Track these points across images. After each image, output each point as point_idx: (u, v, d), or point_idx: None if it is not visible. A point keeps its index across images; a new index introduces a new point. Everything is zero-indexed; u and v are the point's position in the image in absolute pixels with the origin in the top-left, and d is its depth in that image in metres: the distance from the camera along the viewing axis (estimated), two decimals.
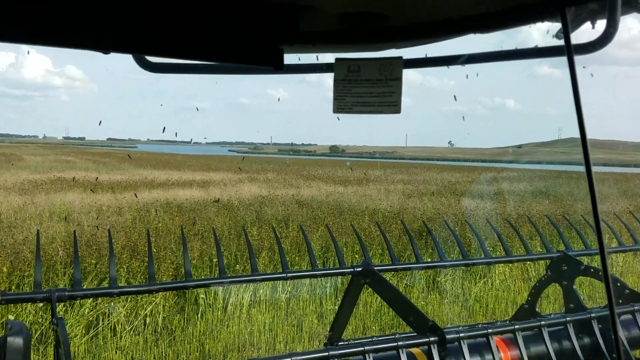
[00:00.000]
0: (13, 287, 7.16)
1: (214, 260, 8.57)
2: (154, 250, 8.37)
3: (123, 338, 6.84)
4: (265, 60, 0.83)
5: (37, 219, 10.84)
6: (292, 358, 1.85)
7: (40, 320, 6.62)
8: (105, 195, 15.10)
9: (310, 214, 12.39)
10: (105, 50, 0.75)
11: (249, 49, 0.81)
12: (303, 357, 1.87)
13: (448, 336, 1.97)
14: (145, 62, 0.99)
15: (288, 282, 8.19)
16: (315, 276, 2.72)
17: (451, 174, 31.03)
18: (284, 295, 8.13)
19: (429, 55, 1.18)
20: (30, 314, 6.61)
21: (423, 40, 1.06)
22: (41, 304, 6.65)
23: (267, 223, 10.83)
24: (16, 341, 1.66)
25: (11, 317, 6.17)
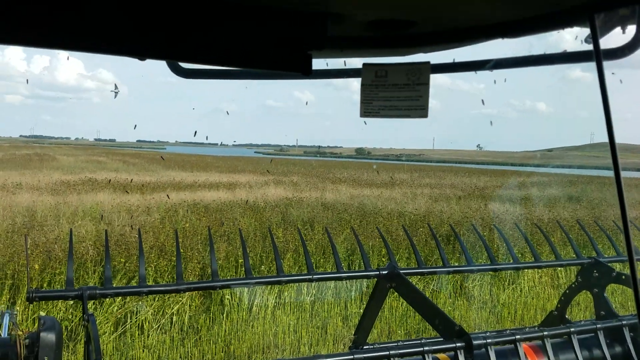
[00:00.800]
0: (45, 285, 7.34)
1: (240, 261, 8.64)
2: (181, 250, 8.48)
3: (150, 336, 6.94)
4: (293, 66, 0.84)
5: (69, 218, 11.10)
6: None
7: (70, 317, 6.77)
8: (135, 195, 15.37)
9: (336, 216, 12.38)
10: (142, 56, 0.78)
11: (278, 55, 0.82)
12: (327, 359, 1.85)
13: (475, 342, 1.93)
14: (178, 68, 1.01)
15: (313, 284, 8.20)
16: (340, 278, 2.71)
17: (479, 177, 30.60)
18: (308, 298, 8.14)
19: (456, 60, 1.17)
20: (60, 310, 6.77)
21: (451, 45, 1.05)
22: (72, 302, 6.80)
23: (293, 225, 10.86)
24: (49, 336, 1.70)
25: (42, 314, 6.33)
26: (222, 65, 0.82)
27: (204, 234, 9.75)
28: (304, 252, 2.76)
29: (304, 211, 12.86)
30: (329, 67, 1.14)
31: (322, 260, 9.11)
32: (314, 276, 2.62)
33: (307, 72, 0.87)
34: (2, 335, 1.79)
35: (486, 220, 12.56)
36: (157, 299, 7.29)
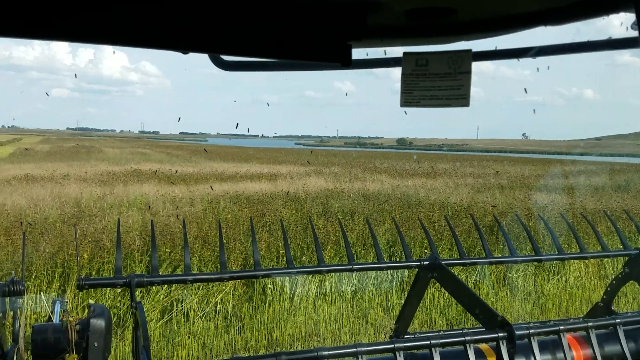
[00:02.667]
0: (93, 273, 7.63)
1: (281, 251, 8.75)
2: (224, 240, 8.65)
3: (195, 323, 7.13)
4: (333, 56, 0.84)
5: (116, 208, 11.48)
6: (358, 349, 1.83)
7: (118, 304, 7.02)
8: (178, 186, 15.74)
9: (377, 207, 12.32)
10: (185, 50, 0.79)
11: (318, 46, 0.82)
12: (369, 348, 1.85)
13: (518, 332, 1.91)
14: (220, 60, 1.03)
15: (354, 274, 8.23)
16: (381, 269, 2.70)
17: (524, 166, 29.81)
18: (349, 288, 8.18)
19: (499, 47, 1.15)
20: (109, 299, 7.03)
21: (493, 33, 1.03)
22: (119, 290, 7.05)
23: (333, 216, 10.89)
24: (98, 322, 1.77)
25: (91, 301, 6.59)
26: (263, 57, 0.84)
27: (246, 224, 9.90)
28: (345, 242, 2.75)
29: (344, 202, 12.87)
30: (369, 57, 1.13)
31: (362, 251, 9.12)
32: (355, 266, 2.59)
33: (347, 63, 0.87)
34: (54, 321, 1.87)
35: (531, 210, 12.26)
36: (201, 287, 7.47)
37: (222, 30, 0.76)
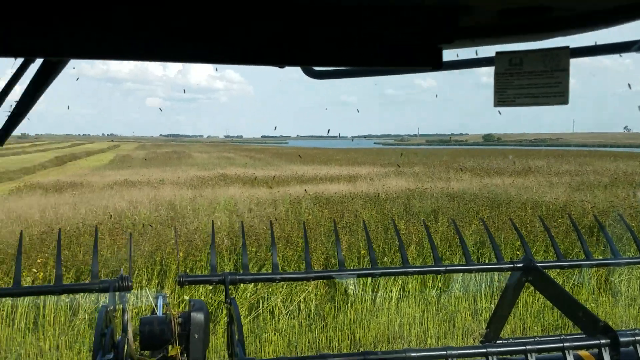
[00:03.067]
0: (187, 270, 8.04)
1: (362, 252, 8.76)
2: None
3: (280, 321, 7.32)
4: (423, 61, 0.84)
5: (206, 210, 12.01)
6: (448, 352, 1.80)
7: (209, 301, 7.35)
8: (261, 189, 16.20)
9: (462, 207, 11.95)
10: (281, 65, 0.82)
11: (408, 51, 0.82)
12: (459, 351, 1.82)
13: (622, 339, 1.79)
14: (312, 71, 1.06)
15: (438, 277, 8.05)
16: (470, 271, 2.63)
17: (627, 162, 27.61)
18: (434, 291, 8.03)
19: (598, 42, 1.09)
20: (201, 294, 7.38)
21: (590, 28, 0.98)
22: (210, 287, 7.39)
23: (416, 217, 10.73)
24: (198, 316, 1.89)
25: (185, 297, 6.94)
26: (355, 66, 0.85)
27: (327, 225, 10.01)
28: (430, 243, 2.70)
29: (427, 202, 12.62)
30: (460, 58, 1.11)
31: (447, 252, 8.92)
32: (442, 268, 2.55)
33: (438, 67, 0.86)
34: (158, 314, 2.01)
35: (635, 209, 11.39)
36: (285, 286, 7.64)
37: (315, 43, 0.78)
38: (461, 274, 7.71)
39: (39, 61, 0.83)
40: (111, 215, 10.57)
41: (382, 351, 2.26)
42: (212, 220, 2.91)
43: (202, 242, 8.68)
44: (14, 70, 0.85)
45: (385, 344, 6.90)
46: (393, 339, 6.98)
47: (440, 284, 8.18)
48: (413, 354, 1.80)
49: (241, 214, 11.33)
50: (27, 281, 6.93)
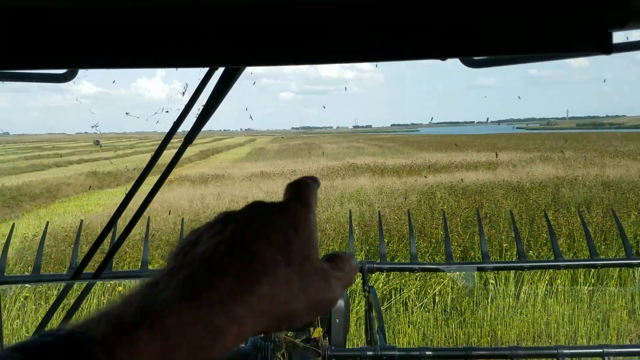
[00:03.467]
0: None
1: (504, 245, 8.24)
2: (441, 232, 8.47)
3: (414, 313, 7.12)
4: (592, 46, 0.81)
5: (337, 200, 12.17)
6: (605, 350, 1.69)
7: None
8: (391, 178, 16.03)
9: (620, 196, 10.75)
10: (443, 57, 0.81)
11: (576, 37, 0.80)
12: (618, 349, 1.71)
13: None
14: (470, 60, 1.04)
15: (591, 272, 7.31)
16: (631, 265, 2.37)
17: None
18: (585, 287, 7.27)
19: None
20: None
21: None
22: None
23: (565, 207, 9.85)
24: (339, 302, 1.89)
25: None
26: (519, 54, 0.83)
27: (463, 215, 9.56)
28: (585, 234, 2.46)
29: (578, 191, 11.52)
30: (629, 40, 0.99)
31: (602, 246, 8.05)
32: (598, 262, 2.30)
33: (608, 51, 0.82)
34: None
35: None
36: (418, 278, 7.44)
37: (474, 31, 0.78)
38: (617, 269, 7.02)
39: (221, 69, 0.95)
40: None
41: (531, 347, 2.08)
42: (350, 210, 2.93)
43: (334, 232, 8.77)
44: (200, 78, 0.99)
45: (530, 343, 6.41)
46: (539, 337, 6.45)
47: (593, 280, 7.40)
48: (565, 351, 1.70)
49: (372, 204, 11.28)
50: None
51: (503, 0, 0.77)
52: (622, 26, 0.81)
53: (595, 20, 0.79)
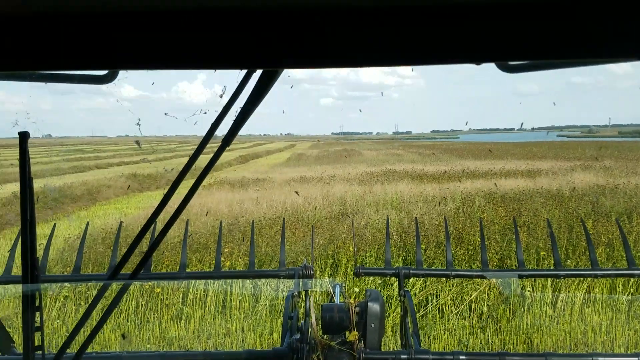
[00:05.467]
0: (357, 264, 8.30)
1: (541, 253, 8.18)
2: (478, 239, 8.47)
3: (450, 320, 7.17)
4: (629, 53, 0.80)
5: (374, 206, 12.25)
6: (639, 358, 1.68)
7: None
8: (430, 185, 15.97)
9: None
10: (478, 62, 0.81)
11: (612, 44, 0.79)
12: None
13: None
14: (505, 65, 1.03)
15: (631, 282, 7.19)
16: None
17: None
18: (624, 297, 7.16)
19: None
20: (371, 287, 7.57)
21: None
22: (379, 280, 7.54)
23: (605, 216, 9.67)
24: (374, 306, 1.96)
25: (356, 289, 7.19)
26: (552, 59, 0.82)
27: (501, 223, 9.52)
28: (623, 243, 2.43)
29: (619, 200, 11.27)
30: None
31: None
32: (636, 271, 2.30)
33: None
34: (336, 302, 2.13)
35: None
36: (455, 284, 7.46)
37: (511, 38, 0.77)
38: None
39: (259, 71, 0.95)
40: (287, 209, 11.34)
41: (565, 354, 2.10)
42: (387, 216, 3.01)
43: (372, 237, 8.89)
44: (239, 80, 0.98)
45: (567, 352, 6.35)
46: (576, 346, 6.40)
47: (632, 290, 7.27)
48: (600, 359, 1.70)
49: (410, 211, 11.32)
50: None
51: (540, 5, 0.75)
52: None
53: (631, 28, 0.77)
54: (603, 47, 0.78)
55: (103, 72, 1.13)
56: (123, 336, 6.97)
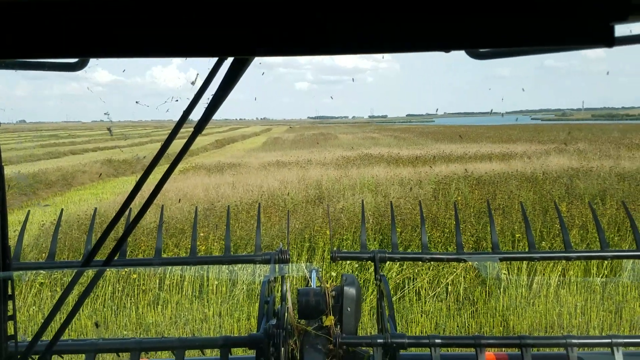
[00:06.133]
0: (334, 247, 8.26)
1: (516, 235, 8.25)
2: (453, 222, 8.51)
3: (427, 303, 7.20)
4: (594, 39, 0.81)
5: (350, 190, 12.22)
6: (613, 340, 1.70)
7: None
8: (406, 168, 16.02)
9: (634, 188, 10.67)
10: (447, 49, 0.82)
11: (577, 30, 0.80)
12: (627, 340, 1.72)
13: None
14: (474, 52, 1.04)
15: (604, 264, 7.32)
16: None
17: None
18: (598, 279, 7.28)
19: None
20: (347, 272, 7.54)
21: None
22: (356, 264, 7.51)
23: (579, 198, 9.81)
24: (350, 290, 1.96)
25: (333, 274, 7.15)
26: (521, 46, 0.83)
27: (476, 206, 9.58)
28: (596, 225, 2.45)
29: (592, 183, 11.45)
30: (633, 34, 1.00)
31: (616, 238, 8.03)
32: (608, 253, 2.31)
33: (610, 44, 0.81)
34: (312, 287, 2.12)
35: None
36: (431, 268, 7.50)
37: (478, 24, 0.78)
38: (631, 260, 7.01)
39: (230, 59, 0.94)
40: (263, 193, 11.23)
41: (540, 336, 2.11)
42: (362, 200, 2.95)
43: (348, 221, 8.85)
44: (210, 68, 0.98)
45: (542, 334, 6.45)
46: (551, 328, 6.49)
47: (606, 272, 7.40)
48: (574, 341, 1.71)
49: (386, 194, 11.32)
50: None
51: None
52: (624, 19, 0.82)
53: (597, 12, 0.79)
54: (568, 34, 0.80)
55: (74, 60, 1.13)
56: (96, 324, 6.86)
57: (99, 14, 0.76)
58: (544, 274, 7.38)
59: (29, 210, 3.12)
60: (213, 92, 0.99)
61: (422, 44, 0.79)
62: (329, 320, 1.89)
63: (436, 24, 0.78)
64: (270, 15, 0.76)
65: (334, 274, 7.13)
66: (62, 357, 1.89)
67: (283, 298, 1.97)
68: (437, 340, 1.79)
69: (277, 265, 2.20)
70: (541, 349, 1.91)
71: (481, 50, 1.02)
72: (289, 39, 0.77)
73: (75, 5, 0.76)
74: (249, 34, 0.77)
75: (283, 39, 0.77)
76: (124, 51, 0.78)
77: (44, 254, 7.86)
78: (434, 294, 7.34)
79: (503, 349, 2.42)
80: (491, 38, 0.79)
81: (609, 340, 1.71)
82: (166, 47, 0.77)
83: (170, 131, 1.07)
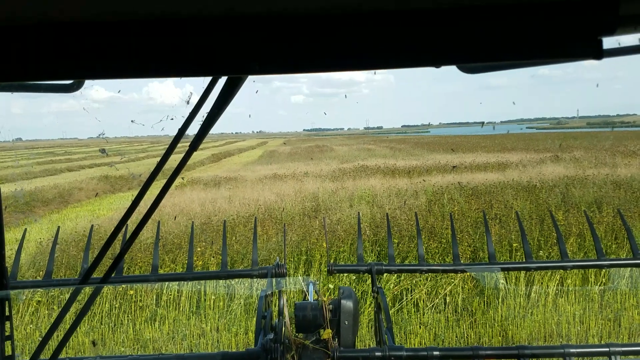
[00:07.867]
0: (331, 260, 8.23)
1: (514, 245, 8.24)
2: (449, 232, 8.50)
3: (425, 314, 7.16)
4: (583, 52, 0.83)
5: (347, 202, 12.20)
6: (611, 348, 1.71)
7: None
8: (402, 179, 16.03)
9: (630, 196, 10.70)
10: (437, 65, 0.83)
11: (566, 45, 0.82)
12: (624, 348, 1.71)
13: None
14: (465, 66, 1.05)
15: (602, 272, 7.31)
16: (638, 265, 2.37)
17: None
18: (596, 287, 7.27)
19: None
20: (345, 284, 7.51)
21: None
22: (354, 276, 7.48)
23: (576, 207, 9.83)
24: (348, 303, 1.95)
25: (330, 286, 7.11)
26: (510, 60, 0.85)
27: (473, 216, 9.58)
28: (592, 234, 2.46)
29: (588, 191, 11.47)
30: (622, 46, 1.01)
31: (613, 245, 8.04)
32: (605, 262, 2.31)
33: (599, 57, 0.83)
34: (309, 300, 2.10)
35: None
36: (429, 278, 7.47)
37: (468, 41, 0.80)
38: (629, 269, 7.00)
39: (224, 78, 0.97)
40: (260, 207, 11.20)
41: (538, 346, 2.11)
42: (359, 212, 2.95)
43: (345, 233, 8.83)
44: (205, 87, 1.01)
45: (541, 343, 6.41)
46: (550, 337, 6.47)
47: (604, 280, 7.39)
48: (572, 350, 1.71)
49: (382, 206, 11.32)
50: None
51: (494, 8, 0.79)
52: (612, 32, 0.83)
53: (586, 26, 0.80)
54: (557, 47, 0.82)
55: (69, 82, 1.14)
56: (93, 343, 6.80)
57: (94, 37, 0.78)
58: (541, 283, 7.37)
59: (25, 229, 3.12)
60: (208, 110, 1.01)
61: (412, 59, 0.80)
62: (327, 334, 1.89)
63: (426, 40, 0.79)
64: (262, 35, 0.78)
65: (331, 286, 7.09)
66: None
67: (280, 312, 1.97)
68: (435, 352, 1.79)
69: (274, 280, 2.20)
70: (540, 358, 1.88)
71: (473, 65, 1.04)
72: (280, 58, 0.79)
73: (71, 28, 0.77)
74: (242, 54, 0.78)
75: (274, 58, 0.79)
76: (119, 72, 0.80)
77: (41, 272, 7.80)
78: (432, 305, 7.31)
79: (502, 359, 2.41)
80: (481, 53, 0.81)
81: (607, 349, 1.71)
82: (160, 68, 0.79)
83: (166, 148, 1.09)
